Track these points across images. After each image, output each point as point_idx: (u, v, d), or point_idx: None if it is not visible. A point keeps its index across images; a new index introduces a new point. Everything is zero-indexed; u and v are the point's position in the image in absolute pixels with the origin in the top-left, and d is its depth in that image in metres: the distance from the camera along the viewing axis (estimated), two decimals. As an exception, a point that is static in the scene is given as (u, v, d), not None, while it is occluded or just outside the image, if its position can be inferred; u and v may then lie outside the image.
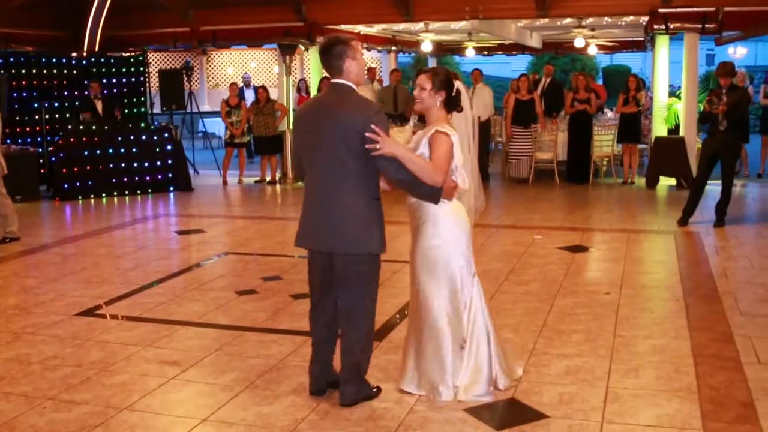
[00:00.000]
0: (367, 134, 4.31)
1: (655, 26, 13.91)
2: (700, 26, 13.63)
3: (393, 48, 21.70)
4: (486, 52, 25.05)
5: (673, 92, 17.29)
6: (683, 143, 13.90)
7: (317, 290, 4.81)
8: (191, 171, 15.95)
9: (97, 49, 16.23)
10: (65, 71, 15.33)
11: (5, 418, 4.74)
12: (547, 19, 16.64)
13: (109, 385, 5.22)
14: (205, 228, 10.97)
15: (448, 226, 4.71)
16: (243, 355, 5.74)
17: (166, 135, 14.67)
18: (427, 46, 20.00)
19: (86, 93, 14.91)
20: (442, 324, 4.78)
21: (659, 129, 14.92)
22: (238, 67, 26.19)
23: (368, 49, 20.71)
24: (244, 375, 5.33)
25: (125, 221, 11.81)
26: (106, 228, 11.24)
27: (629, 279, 7.73)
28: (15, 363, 5.65)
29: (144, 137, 14.34)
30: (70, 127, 14.04)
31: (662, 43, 14.92)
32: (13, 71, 14.61)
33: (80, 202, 13.45)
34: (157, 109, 18.88)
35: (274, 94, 17.03)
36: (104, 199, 13.69)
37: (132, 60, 16.32)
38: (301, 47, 17.05)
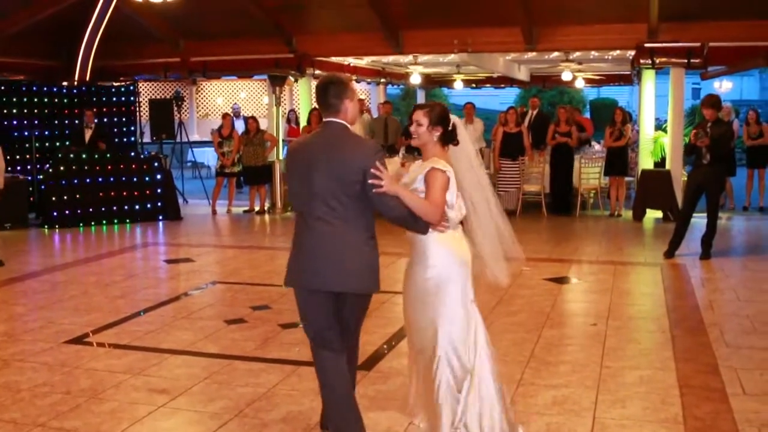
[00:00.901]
0: (372, 171, 4.29)
1: (642, 61, 14.08)
2: (686, 61, 13.79)
3: (382, 80, 21.87)
4: (474, 85, 25.23)
5: (660, 125, 17.46)
6: (669, 176, 14.03)
7: (326, 332, 4.54)
8: (180, 200, 15.98)
9: (88, 78, 16.31)
10: (56, 100, 15.41)
11: (-6, 445, 4.74)
12: (535, 53, 16.82)
13: (99, 412, 5.22)
14: (194, 257, 10.98)
15: (441, 256, 4.68)
16: (232, 383, 5.76)
17: (156, 164, 14.72)
18: (416, 79, 20.20)
19: (76, 122, 14.97)
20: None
21: (646, 162, 15.06)
22: (227, 97, 26.31)
23: (357, 81, 20.84)
24: (233, 403, 5.35)
25: (114, 249, 11.82)
26: (95, 256, 11.24)
27: (616, 310, 7.78)
28: (4, 390, 5.65)
29: (134, 166, 14.38)
30: (60, 155, 14.07)
31: (648, 77, 15.10)
32: (4, 99, 14.67)
33: (69, 230, 13.44)
34: (147, 139, 18.93)
35: (263, 125, 17.12)
36: (93, 228, 13.69)
37: (123, 89, 16.40)
38: (291, 78, 17.16)
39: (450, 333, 4.58)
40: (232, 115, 17.28)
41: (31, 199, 14.23)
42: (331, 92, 4.50)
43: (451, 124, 4.72)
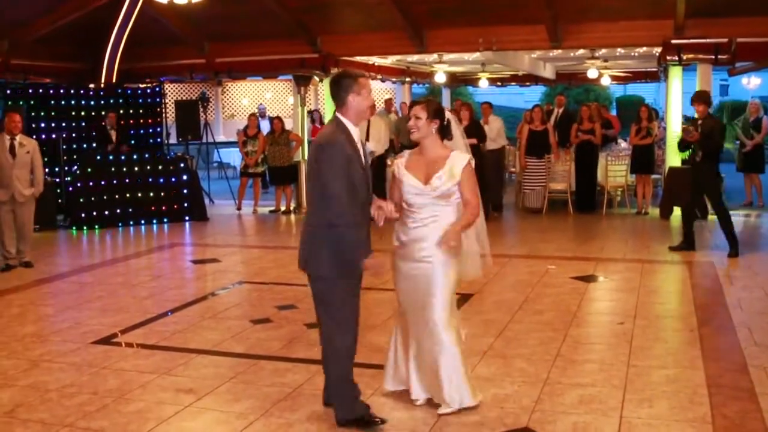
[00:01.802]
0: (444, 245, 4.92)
1: (668, 57, 13.98)
2: (713, 57, 13.68)
3: (407, 79, 21.85)
4: (499, 83, 25.17)
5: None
6: (697, 173, 13.87)
7: None
8: (207, 201, 16.05)
9: (114, 81, 16.44)
10: (83, 102, 15.54)
11: (23, 444, 4.78)
12: (560, 51, 16.75)
13: (126, 412, 5.26)
14: (220, 257, 11.03)
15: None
16: (258, 383, 5.78)
17: (182, 165, 14.81)
18: (440, 77, 20.15)
19: (102, 123, 15.10)
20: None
21: (673, 159, 14.92)
22: (253, 97, 26.40)
23: (382, 80, 20.87)
24: (259, 403, 5.36)
25: (141, 250, 11.89)
26: (123, 257, 11.33)
27: (643, 309, 7.73)
28: (32, 390, 5.70)
29: (160, 167, 14.48)
30: (87, 157, 14.17)
31: (675, 73, 14.93)
32: (32, 102, 14.83)
33: (97, 231, 13.56)
34: (173, 140, 19.02)
35: (288, 125, 17.15)
36: (120, 229, 13.79)
37: (149, 91, 16.50)
38: (316, 78, 17.20)
39: None
40: (258, 115, 17.33)
41: (59, 200, 14.36)
42: (336, 86, 4.87)
43: (446, 119, 5.13)
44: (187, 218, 14.55)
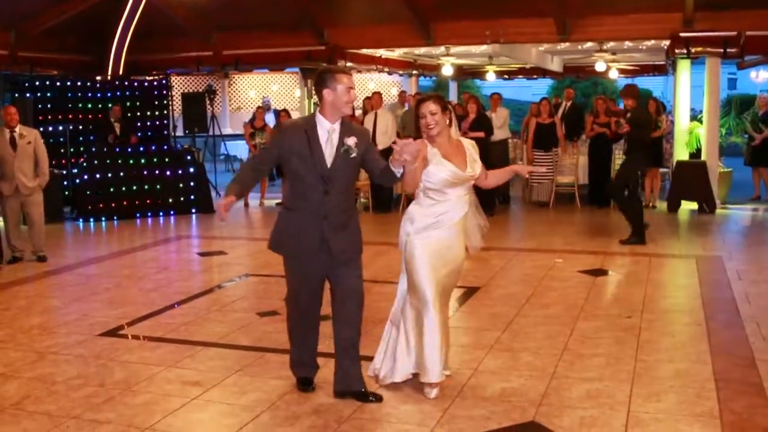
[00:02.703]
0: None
1: (677, 50, 13.92)
2: (722, 50, 13.61)
3: (414, 72, 21.80)
4: (507, 76, 25.11)
5: (695, 116, 17.24)
6: (705, 167, 13.85)
7: None
8: (213, 193, 16.05)
9: (121, 73, 16.44)
10: (89, 94, 15.53)
11: (29, 436, 4.78)
12: (567, 44, 16.69)
13: (132, 404, 5.25)
14: (226, 249, 11.03)
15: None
16: (264, 375, 5.77)
17: (189, 157, 14.82)
18: (447, 70, 20.10)
19: (101, 116, 15.11)
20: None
21: (681, 153, 14.88)
22: (259, 90, 26.39)
23: (389, 73, 20.84)
24: (265, 396, 5.36)
25: (148, 242, 11.90)
26: (129, 249, 11.33)
27: (650, 303, 7.70)
28: (39, 382, 5.71)
29: (167, 160, 14.48)
30: (94, 149, 14.18)
31: (684, 67, 14.88)
32: (38, 94, 14.83)
33: (103, 223, 13.57)
34: (179, 132, 19.04)
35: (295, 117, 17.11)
36: (127, 221, 13.80)
37: (155, 83, 16.51)
38: (323, 71, 17.12)
39: None
40: (263, 108, 17.32)
41: (66, 193, 14.37)
42: (315, 80, 4.96)
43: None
44: (193, 210, 14.56)
